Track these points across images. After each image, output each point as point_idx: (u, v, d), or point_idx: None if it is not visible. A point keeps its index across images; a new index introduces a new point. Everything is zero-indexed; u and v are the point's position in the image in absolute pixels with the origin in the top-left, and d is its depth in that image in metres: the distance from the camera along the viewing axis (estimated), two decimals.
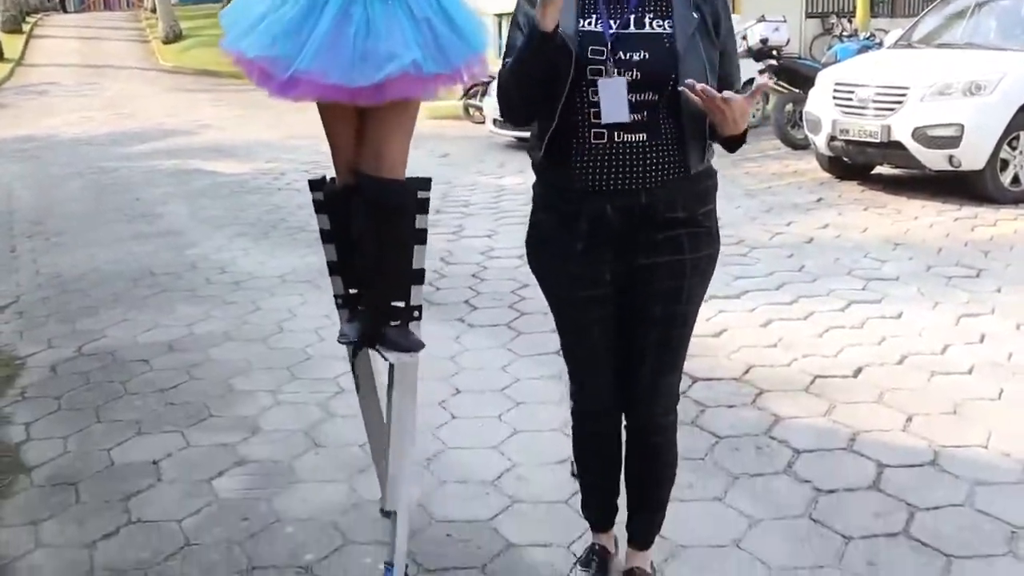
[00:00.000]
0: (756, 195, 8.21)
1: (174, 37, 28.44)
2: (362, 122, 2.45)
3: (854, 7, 16.41)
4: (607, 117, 2.18)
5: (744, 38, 10.61)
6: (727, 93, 2.09)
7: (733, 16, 14.21)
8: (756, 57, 10.59)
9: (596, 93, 2.18)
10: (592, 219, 2.25)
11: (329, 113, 2.50)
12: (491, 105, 10.86)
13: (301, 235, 7.12)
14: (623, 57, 2.16)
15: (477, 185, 9.18)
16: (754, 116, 12.43)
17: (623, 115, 2.17)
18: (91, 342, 4.99)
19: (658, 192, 2.22)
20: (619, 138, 2.20)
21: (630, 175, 2.21)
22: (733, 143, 2.23)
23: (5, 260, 6.92)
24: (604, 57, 2.17)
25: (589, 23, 2.20)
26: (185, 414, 4.00)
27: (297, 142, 11.65)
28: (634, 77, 2.16)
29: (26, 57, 27.58)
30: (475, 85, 11.52)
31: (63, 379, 4.49)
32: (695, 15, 2.18)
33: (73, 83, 22.30)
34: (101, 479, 3.44)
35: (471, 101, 13.01)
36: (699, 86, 2.07)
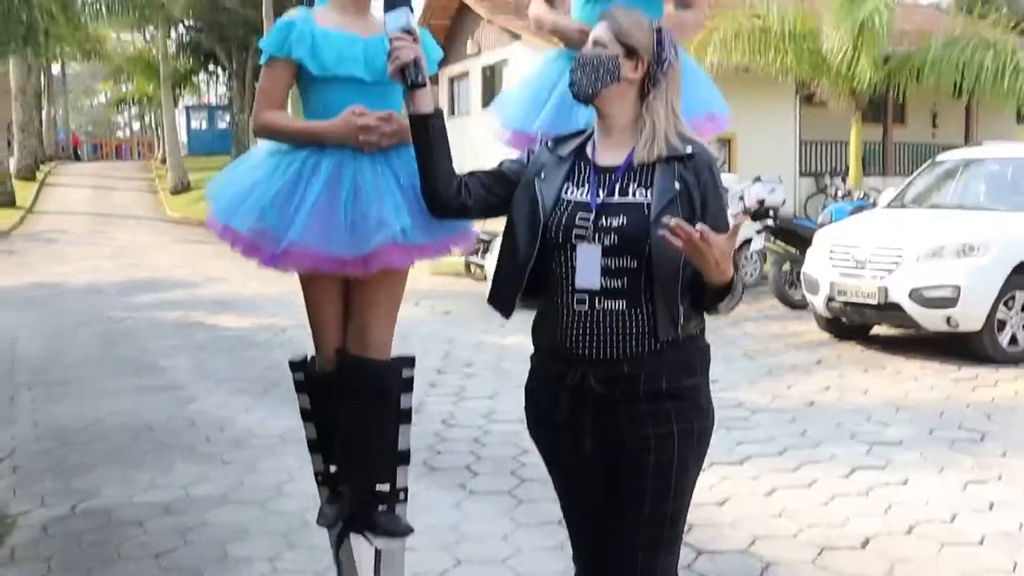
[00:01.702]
0: (755, 357, 8.25)
1: (182, 188, 29.15)
2: (348, 298, 2.47)
3: (847, 167, 16.89)
4: (580, 282, 2.25)
5: (741, 198, 10.89)
6: (704, 227, 2.06)
7: (729, 176, 14.45)
8: (753, 217, 10.83)
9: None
10: (574, 388, 2.27)
11: (314, 289, 2.52)
12: (494, 262, 10.96)
13: None
14: (604, 223, 2.25)
15: (480, 345, 9.11)
16: (751, 276, 12.61)
17: (594, 282, 2.23)
18: (86, 500, 4.91)
19: (641, 362, 2.24)
20: (600, 304, 2.24)
21: (611, 344, 2.23)
22: (720, 295, 2.19)
23: (3, 410, 6.89)
24: (588, 223, 2.26)
25: (581, 193, 2.31)
26: None
27: (298, 297, 11.72)
28: (612, 241, 2.23)
29: (37, 204, 28.21)
30: (477, 242, 11.59)
31: (54, 539, 4.40)
32: (676, 185, 2.25)
33: (83, 231, 22.72)
34: None
35: (473, 258, 13.17)
36: (673, 220, 2.07)
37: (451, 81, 22.78)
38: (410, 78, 2.37)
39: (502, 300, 2.41)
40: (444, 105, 23.06)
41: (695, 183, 2.27)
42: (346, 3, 2.68)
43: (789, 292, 10.52)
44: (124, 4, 28.77)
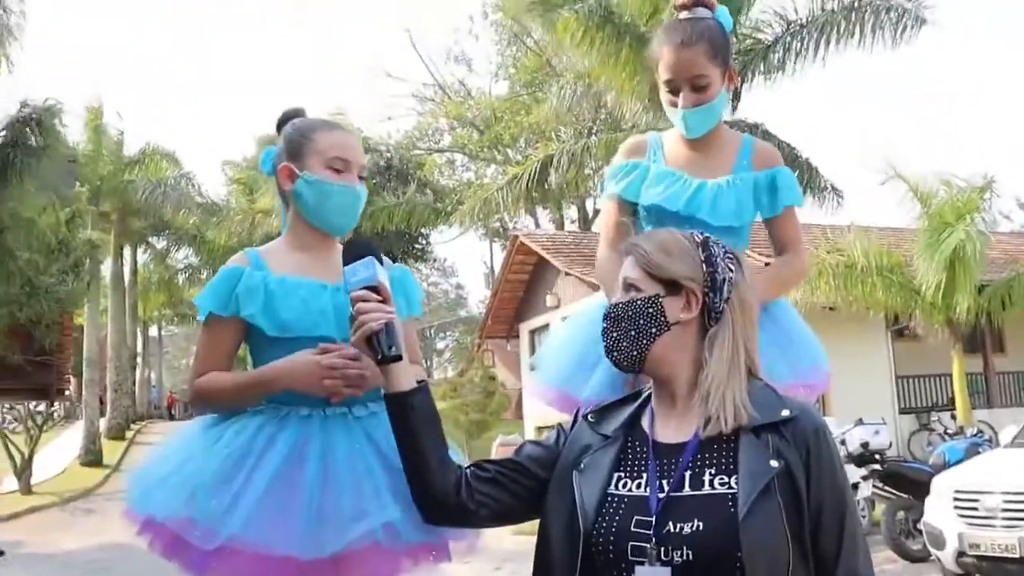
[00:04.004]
0: None
1: None
2: None
3: (948, 400, 15.95)
4: None
5: (843, 443, 10.09)
6: None
7: (827, 419, 13.70)
8: (858, 463, 10.02)
9: None
10: None
11: None
12: None
13: None
14: (672, 529, 1.61)
15: None
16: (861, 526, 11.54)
17: None
18: None
19: None
20: None
21: None
22: None
23: None
24: (650, 532, 1.62)
25: (637, 485, 1.68)
26: None
27: None
28: (685, 557, 1.58)
29: (124, 463, 28.38)
30: None
31: None
32: (774, 463, 1.61)
33: None
34: None
35: None
36: None
37: (531, 334, 22.69)
38: (380, 350, 1.81)
39: None
40: (525, 360, 22.82)
41: (799, 460, 1.62)
42: (305, 238, 2.14)
43: (906, 543, 9.48)
44: (216, 267, 30.33)
